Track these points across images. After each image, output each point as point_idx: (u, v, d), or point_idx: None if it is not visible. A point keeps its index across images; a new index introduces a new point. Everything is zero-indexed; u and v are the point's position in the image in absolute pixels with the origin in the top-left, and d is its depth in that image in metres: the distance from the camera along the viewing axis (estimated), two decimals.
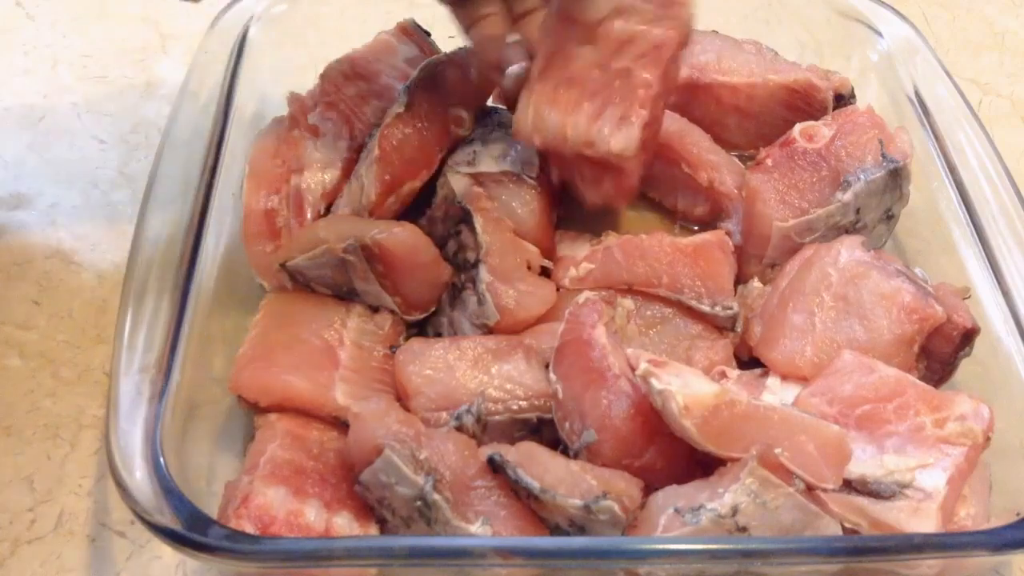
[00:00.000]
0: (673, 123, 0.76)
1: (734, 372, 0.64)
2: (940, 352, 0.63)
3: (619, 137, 0.64)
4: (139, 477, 0.51)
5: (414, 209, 0.71)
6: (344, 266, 0.64)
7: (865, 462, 0.55)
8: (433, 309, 0.68)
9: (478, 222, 0.66)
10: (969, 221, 0.67)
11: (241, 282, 0.69)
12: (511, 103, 0.67)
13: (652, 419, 0.55)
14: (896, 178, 0.69)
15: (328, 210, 0.71)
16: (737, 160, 0.77)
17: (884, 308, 0.62)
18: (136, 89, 0.91)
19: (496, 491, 0.55)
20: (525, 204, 0.69)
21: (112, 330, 0.57)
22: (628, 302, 0.66)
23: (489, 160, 0.69)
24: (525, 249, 0.67)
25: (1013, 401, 0.60)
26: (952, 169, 0.70)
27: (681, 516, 0.51)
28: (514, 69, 0.66)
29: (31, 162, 0.84)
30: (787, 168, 0.71)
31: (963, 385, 0.64)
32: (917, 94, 0.75)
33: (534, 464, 0.55)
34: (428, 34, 0.78)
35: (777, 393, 0.62)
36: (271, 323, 0.64)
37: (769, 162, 0.71)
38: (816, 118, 0.75)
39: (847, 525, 0.54)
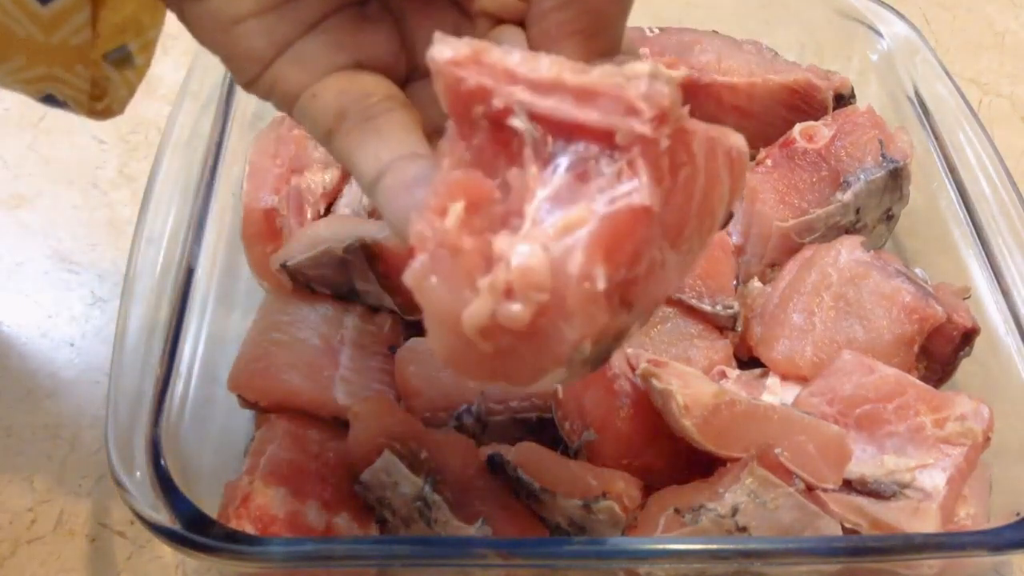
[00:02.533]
0: None
1: (734, 372, 0.64)
2: (940, 352, 0.63)
3: None
4: (139, 477, 0.51)
5: None
6: (344, 266, 0.64)
7: (865, 462, 0.55)
8: None
9: None
10: (969, 221, 0.67)
11: (241, 282, 0.69)
12: None
13: (652, 419, 0.55)
14: (896, 178, 0.69)
15: (328, 210, 0.71)
16: None
17: (884, 308, 0.62)
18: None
19: (496, 491, 0.55)
20: None
21: (112, 330, 0.57)
22: None
23: None
24: None
25: (1013, 401, 0.60)
26: (952, 169, 0.70)
27: (681, 516, 0.51)
28: None
29: (31, 162, 0.84)
30: (787, 168, 0.70)
31: (963, 385, 0.64)
32: (917, 94, 0.75)
33: (534, 464, 0.54)
34: None
35: (777, 393, 0.62)
36: (271, 323, 0.64)
37: (769, 162, 0.71)
38: (816, 118, 0.75)
39: (847, 525, 0.54)
